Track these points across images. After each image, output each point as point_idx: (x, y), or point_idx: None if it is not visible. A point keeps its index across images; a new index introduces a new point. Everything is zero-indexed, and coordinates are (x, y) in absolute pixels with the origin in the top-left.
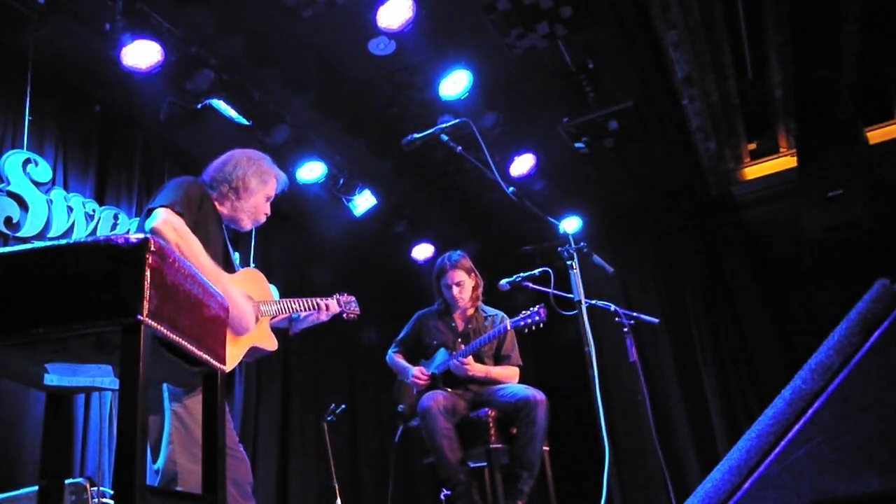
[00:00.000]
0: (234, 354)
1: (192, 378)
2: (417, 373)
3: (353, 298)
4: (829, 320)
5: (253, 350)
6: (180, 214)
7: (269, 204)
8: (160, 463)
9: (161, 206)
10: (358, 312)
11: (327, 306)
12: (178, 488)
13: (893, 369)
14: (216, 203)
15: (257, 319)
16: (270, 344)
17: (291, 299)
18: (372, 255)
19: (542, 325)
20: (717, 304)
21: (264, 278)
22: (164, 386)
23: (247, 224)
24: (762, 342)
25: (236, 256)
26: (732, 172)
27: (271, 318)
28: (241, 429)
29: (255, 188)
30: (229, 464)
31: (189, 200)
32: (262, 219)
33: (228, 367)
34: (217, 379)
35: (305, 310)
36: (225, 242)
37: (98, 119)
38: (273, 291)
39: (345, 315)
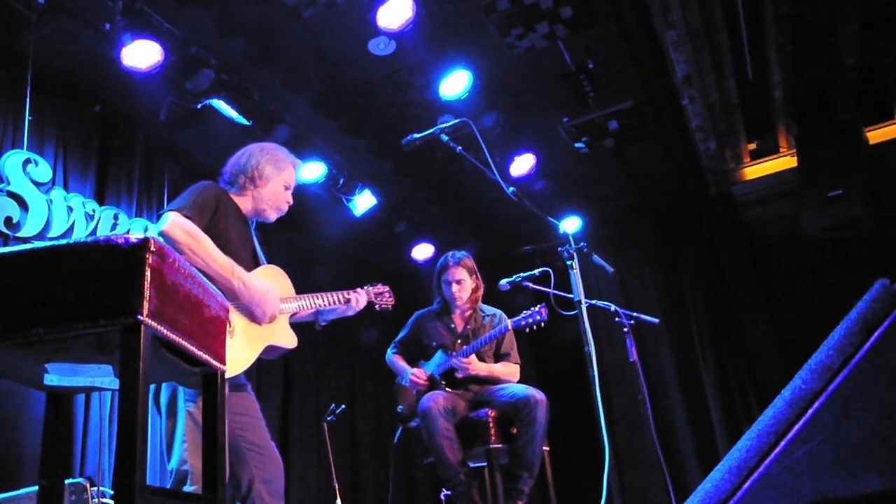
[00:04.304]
0: (248, 354)
1: (192, 378)
2: (417, 372)
3: (387, 288)
4: (829, 320)
5: (271, 348)
6: (189, 217)
7: (289, 193)
8: (173, 463)
9: (169, 211)
10: (392, 302)
11: (356, 300)
12: (190, 488)
13: (893, 369)
14: (237, 199)
15: (275, 316)
16: (289, 341)
17: (314, 294)
18: (372, 255)
19: (542, 325)
20: (717, 304)
21: (285, 275)
22: (180, 389)
23: (271, 214)
24: (762, 342)
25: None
26: (732, 172)
27: (292, 315)
28: None
29: (270, 174)
30: (260, 462)
31: (199, 204)
32: (285, 207)
33: (245, 366)
34: (217, 379)
35: (329, 305)
36: (251, 239)
37: (98, 119)
38: None
39: (377, 306)
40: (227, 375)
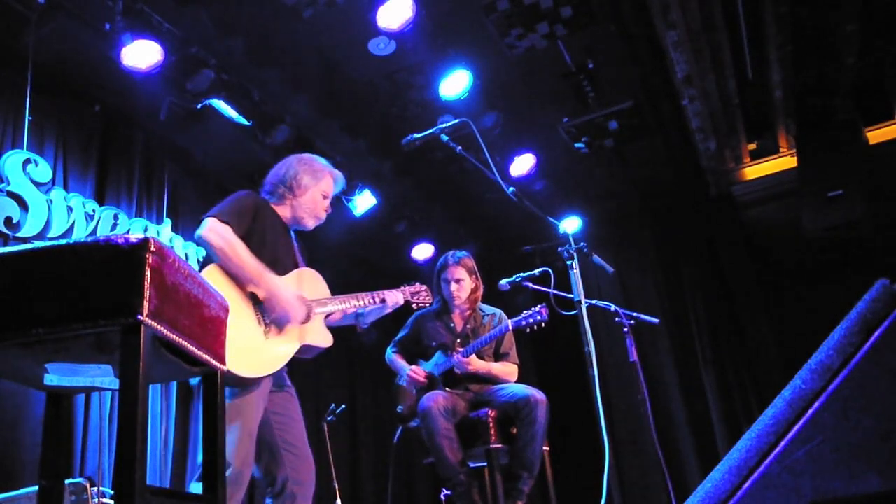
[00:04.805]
0: (283, 353)
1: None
2: (415, 369)
3: (424, 287)
4: (829, 320)
5: (306, 348)
6: (226, 223)
7: (328, 202)
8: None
9: (209, 217)
10: (430, 301)
11: (391, 298)
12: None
13: (893, 369)
14: (277, 208)
15: (310, 317)
16: (325, 340)
17: (348, 295)
18: (372, 255)
19: (543, 325)
20: (717, 304)
21: (320, 278)
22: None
23: (309, 222)
24: (762, 342)
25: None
26: (732, 172)
27: (326, 316)
28: None
29: (307, 184)
30: (294, 463)
31: (238, 211)
32: (323, 215)
33: (279, 365)
34: (217, 379)
35: (366, 305)
36: (291, 246)
37: (98, 119)
38: None
39: (414, 304)
40: (262, 373)
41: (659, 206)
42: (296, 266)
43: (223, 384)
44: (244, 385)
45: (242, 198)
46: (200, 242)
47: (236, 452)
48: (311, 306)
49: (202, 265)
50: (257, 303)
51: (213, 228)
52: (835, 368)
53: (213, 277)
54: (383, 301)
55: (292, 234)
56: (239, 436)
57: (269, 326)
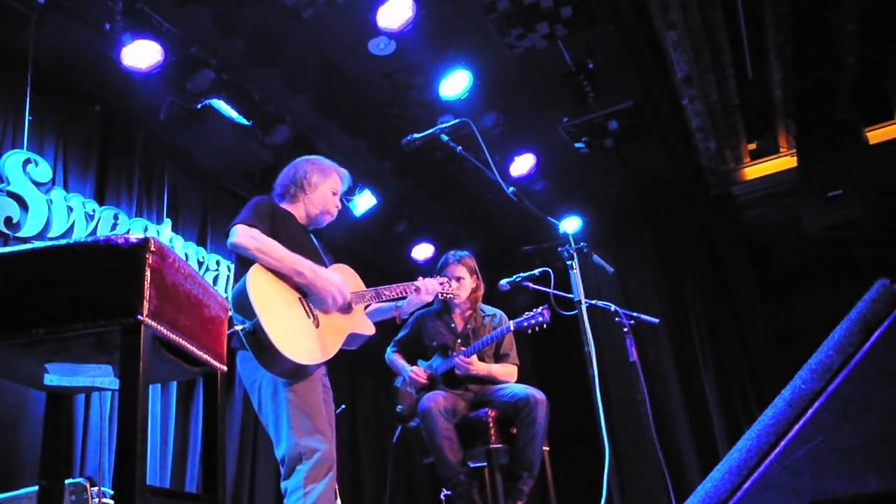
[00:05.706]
0: (333, 342)
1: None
2: (416, 370)
3: (446, 279)
4: (829, 320)
5: (353, 336)
6: (253, 226)
7: (337, 198)
8: (283, 450)
9: (236, 225)
10: (455, 292)
11: (423, 288)
12: (305, 465)
13: (893, 369)
14: (291, 209)
15: (352, 308)
16: (368, 329)
17: (383, 287)
18: (372, 255)
19: (545, 326)
20: (717, 304)
21: (354, 272)
22: (279, 379)
23: (322, 218)
24: (762, 342)
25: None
26: (732, 172)
27: (366, 306)
28: (241, 429)
29: (317, 182)
30: None
31: (260, 215)
32: (335, 211)
33: (329, 356)
34: (217, 379)
35: (400, 295)
36: (312, 244)
37: (98, 119)
38: None
39: (441, 295)
40: (318, 360)
41: (659, 206)
42: (321, 261)
43: (223, 384)
44: (304, 374)
45: (260, 202)
46: (235, 249)
47: (320, 435)
48: (351, 297)
49: (237, 273)
50: (303, 297)
51: (244, 233)
52: (835, 368)
53: (260, 277)
54: (417, 289)
55: (311, 234)
56: (313, 419)
57: (317, 319)
